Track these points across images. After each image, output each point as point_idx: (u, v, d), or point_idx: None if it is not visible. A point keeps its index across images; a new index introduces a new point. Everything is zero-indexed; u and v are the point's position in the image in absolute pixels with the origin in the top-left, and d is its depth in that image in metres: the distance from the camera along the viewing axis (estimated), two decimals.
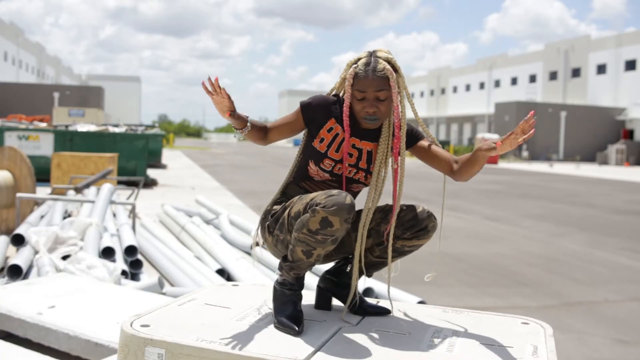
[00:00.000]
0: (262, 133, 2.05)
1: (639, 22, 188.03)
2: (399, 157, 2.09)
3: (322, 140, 2.08)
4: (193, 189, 13.33)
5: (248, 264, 4.93)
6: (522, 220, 10.39)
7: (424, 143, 2.16)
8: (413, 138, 2.16)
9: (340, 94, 2.15)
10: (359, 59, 2.05)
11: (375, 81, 1.98)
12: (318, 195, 1.88)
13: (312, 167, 2.09)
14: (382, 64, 2.00)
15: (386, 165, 2.12)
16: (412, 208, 2.08)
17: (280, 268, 2.02)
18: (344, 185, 2.09)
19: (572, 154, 43.39)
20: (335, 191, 1.85)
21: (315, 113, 2.08)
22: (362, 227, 2.07)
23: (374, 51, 2.06)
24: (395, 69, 2.03)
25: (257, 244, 2.18)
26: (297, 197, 2.03)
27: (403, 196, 2.09)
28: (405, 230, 2.06)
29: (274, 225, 2.05)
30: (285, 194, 2.14)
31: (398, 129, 2.06)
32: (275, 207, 2.11)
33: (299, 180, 2.14)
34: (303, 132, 2.17)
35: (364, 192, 2.19)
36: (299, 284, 2.03)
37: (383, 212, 2.12)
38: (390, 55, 2.04)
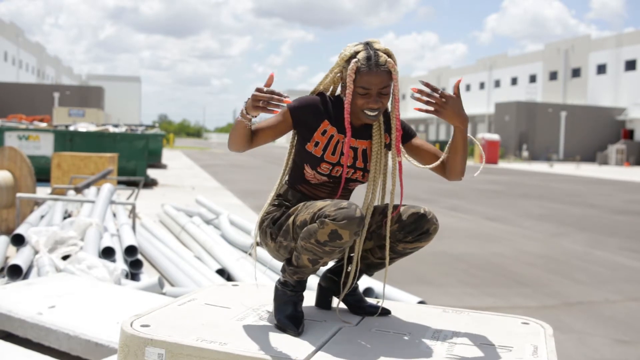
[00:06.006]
0: (250, 136, 1.96)
1: (638, 22, 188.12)
2: (401, 151, 2.06)
3: (317, 144, 2.01)
4: (193, 189, 13.32)
5: (248, 264, 4.93)
6: (522, 220, 10.39)
7: (417, 140, 2.13)
8: (407, 135, 2.13)
9: (329, 91, 2.09)
10: (356, 52, 1.97)
11: (379, 76, 1.93)
12: (327, 206, 1.82)
13: (309, 171, 2.02)
14: (384, 57, 1.95)
15: (380, 161, 2.08)
16: (413, 211, 2.03)
17: (284, 271, 2.01)
18: (342, 185, 2.05)
19: (572, 154, 43.35)
20: (345, 203, 1.81)
21: (307, 116, 2.00)
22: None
23: (367, 43, 1.98)
24: (394, 60, 1.98)
25: (258, 244, 2.13)
26: (301, 204, 1.97)
27: (404, 196, 2.08)
28: (407, 234, 2.02)
29: (276, 232, 1.99)
30: (282, 198, 2.08)
31: (399, 122, 2.04)
32: (272, 211, 2.04)
33: (295, 184, 2.08)
34: (290, 133, 2.09)
35: (361, 187, 2.17)
36: (301, 285, 2.03)
37: (384, 215, 2.07)
38: (386, 47, 1.98)
